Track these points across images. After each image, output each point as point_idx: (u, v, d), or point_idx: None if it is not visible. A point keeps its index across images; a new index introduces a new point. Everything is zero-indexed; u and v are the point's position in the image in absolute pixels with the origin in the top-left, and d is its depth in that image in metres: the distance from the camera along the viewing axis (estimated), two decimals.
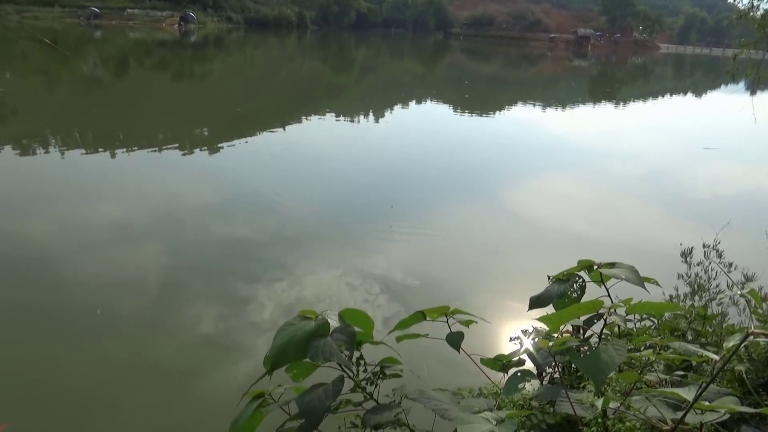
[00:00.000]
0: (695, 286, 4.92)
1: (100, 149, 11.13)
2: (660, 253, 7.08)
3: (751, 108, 13.22)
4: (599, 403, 1.27)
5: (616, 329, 2.34)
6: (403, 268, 6.51)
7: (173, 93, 21.81)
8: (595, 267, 1.77)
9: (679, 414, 1.25)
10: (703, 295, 4.79)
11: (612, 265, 1.75)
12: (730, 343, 1.29)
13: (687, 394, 1.25)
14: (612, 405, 1.36)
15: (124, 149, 11.22)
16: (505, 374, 1.94)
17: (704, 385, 1.17)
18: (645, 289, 1.67)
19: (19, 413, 3.80)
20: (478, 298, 6.06)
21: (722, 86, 43.30)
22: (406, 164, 11.81)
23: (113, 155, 10.72)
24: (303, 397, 1.53)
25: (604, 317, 1.45)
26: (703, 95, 38.72)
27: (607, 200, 10.28)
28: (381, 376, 1.74)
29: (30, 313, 5.08)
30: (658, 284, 1.84)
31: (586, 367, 1.24)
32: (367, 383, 1.72)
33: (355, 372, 1.69)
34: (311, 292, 5.80)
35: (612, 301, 1.65)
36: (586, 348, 1.31)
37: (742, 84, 36.99)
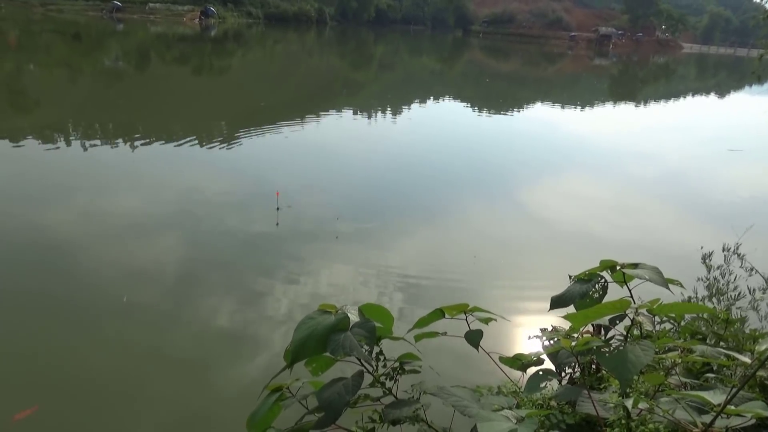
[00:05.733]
0: (714, 289, 4.86)
1: (121, 141, 11.25)
2: (679, 256, 7.00)
3: None
4: (629, 403, 1.26)
5: (636, 331, 2.32)
6: (419, 264, 6.50)
7: (193, 87, 21.98)
8: (618, 267, 1.74)
9: (705, 417, 1.23)
10: (722, 298, 4.73)
11: (635, 265, 1.73)
12: (763, 346, 1.26)
13: (712, 397, 1.23)
14: (639, 406, 1.34)
15: (145, 142, 11.34)
16: (524, 373, 1.93)
17: (735, 389, 1.15)
18: (669, 290, 1.64)
19: (45, 397, 3.90)
20: (493, 296, 6.03)
21: (747, 87, 42.55)
22: (423, 161, 11.79)
23: (133, 147, 10.83)
24: (323, 391, 1.53)
25: (631, 318, 1.43)
26: (727, 96, 38.06)
27: (627, 201, 10.16)
28: (400, 371, 1.74)
29: (53, 302, 5.17)
30: (681, 286, 1.81)
31: (612, 366, 1.22)
32: (386, 378, 1.71)
33: (375, 367, 1.69)
34: (326, 287, 5.82)
35: (634, 302, 1.63)
36: (611, 348, 1.30)
37: (767, 85, 36.32)
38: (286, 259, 6.39)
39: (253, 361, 4.52)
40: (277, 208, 7.65)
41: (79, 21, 49.56)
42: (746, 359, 1.34)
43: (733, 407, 1.20)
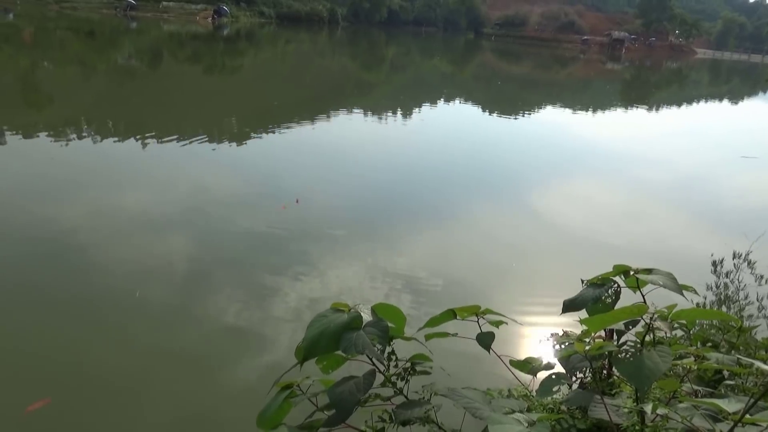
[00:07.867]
0: (723, 296, 4.82)
1: (133, 139, 11.32)
2: (689, 263, 6.94)
3: None
4: (647, 408, 1.25)
5: (648, 337, 2.30)
6: (428, 266, 6.49)
7: (205, 85, 22.08)
8: (632, 272, 1.73)
9: (719, 425, 1.22)
10: (732, 306, 4.69)
11: (649, 271, 1.71)
12: None
13: (727, 405, 1.22)
14: (656, 412, 1.33)
15: (157, 139, 11.40)
16: (534, 377, 1.92)
17: (753, 399, 1.14)
18: (683, 296, 1.63)
19: (57, 390, 3.95)
20: (501, 299, 6.01)
21: (761, 94, 42.18)
22: (432, 162, 11.78)
23: (145, 145, 10.90)
24: (334, 388, 1.53)
25: (649, 323, 1.42)
26: (740, 102, 37.72)
27: (638, 206, 10.10)
28: (411, 372, 1.74)
29: (65, 297, 5.21)
30: (695, 292, 1.80)
31: (629, 372, 1.21)
32: (397, 379, 1.71)
33: (386, 367, 1.69)
34: (335, 287, 5.82)
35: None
36: (627, 354, 1.29)
37: None
38: (294, 258, 6.39)
39: (261, 358, 4.53)
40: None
41: (94, 18, 49.95)
42: (765, 366, 1.33)
43: (749, 416, 1.19)
